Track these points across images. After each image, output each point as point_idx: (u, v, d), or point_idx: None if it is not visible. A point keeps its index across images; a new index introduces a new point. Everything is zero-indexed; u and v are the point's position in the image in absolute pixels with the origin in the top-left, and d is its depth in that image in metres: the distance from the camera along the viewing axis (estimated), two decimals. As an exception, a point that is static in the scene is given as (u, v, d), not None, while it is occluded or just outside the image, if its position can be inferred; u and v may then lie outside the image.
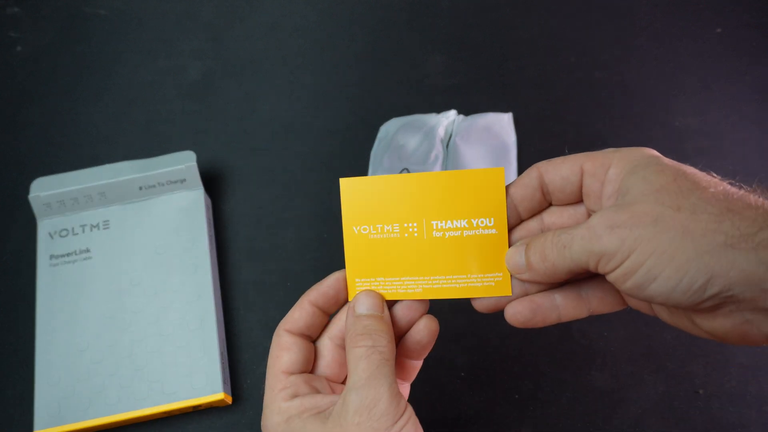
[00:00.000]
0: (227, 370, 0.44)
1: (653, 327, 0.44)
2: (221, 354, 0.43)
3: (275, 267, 0.48)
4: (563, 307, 0.32)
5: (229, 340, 0.46)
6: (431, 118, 0.51)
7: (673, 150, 0.50)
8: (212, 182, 0.51)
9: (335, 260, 0.47)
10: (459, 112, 0.51)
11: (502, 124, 0.50)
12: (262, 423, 0.31)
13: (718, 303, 0.25)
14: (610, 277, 0.27)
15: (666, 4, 0.57)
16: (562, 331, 0.44)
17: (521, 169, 0.49)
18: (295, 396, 0.31)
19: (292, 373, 0.32)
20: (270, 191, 0.51)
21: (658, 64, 0.54)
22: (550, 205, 0.32)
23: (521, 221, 0.32)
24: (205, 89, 0.55)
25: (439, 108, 0.52)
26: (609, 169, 0.29)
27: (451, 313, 0.45)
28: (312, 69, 0.56)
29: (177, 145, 0.53)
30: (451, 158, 0.49)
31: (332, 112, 0.54)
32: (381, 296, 0.32)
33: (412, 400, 0.43)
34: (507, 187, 0.32)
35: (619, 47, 0.55)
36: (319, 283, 0.34)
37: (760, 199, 0.25)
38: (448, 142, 0.50)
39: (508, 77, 0.54)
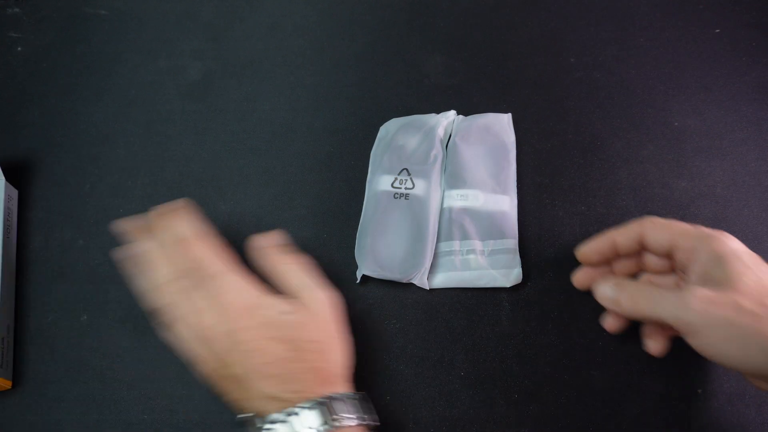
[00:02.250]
0: (9, 355, 0.45)
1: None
2: (2, 339, 0.44)
3: (275, 267, 0.48)
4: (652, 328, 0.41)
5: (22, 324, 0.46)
6: (431, 118, 0.50)
7: (672, 150, 0.50)
8: (212, 182, 0.51)
9: (335, 260, 0.47)
10: (459, 112, 0.52)
11: (501, 124, 0.50)
12: (231, 297, 0.37)
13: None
14: (688, 341, 0.34)
15: (666, 4, 0.57)
16: (561, 330, 0.44)
17: (520, 170, 0.49)
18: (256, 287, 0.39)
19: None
20: (270, 191, 0.51)
21: (657, 64, 0.54)
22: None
23: (618, 256, 0.42)
24: (205, 89, 0.55)
25: (439, 108, 0.52)
26: (695, 253, 0.36)
27: (451, 313, 0.46)
28: (312, 69, 0.56)
29: (177, 145, 0.53)
30: (450, 158, 0.49)
31: (332, 112, 0.54)
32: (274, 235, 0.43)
33: (413, 399, 0.43)
34: (611, 233, 0.41)
35: (619, 47, 0.55)
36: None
37: None
38: (447, 142, 0.50)
39: (508, 77, 0.54)
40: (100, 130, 0.54)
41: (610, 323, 0.42)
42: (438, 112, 0.52)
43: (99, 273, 0.48)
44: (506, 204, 0.47)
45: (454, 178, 0.48)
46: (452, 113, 0.51)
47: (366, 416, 0.36)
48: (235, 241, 0.49)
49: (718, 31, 0.55)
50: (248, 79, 0.55)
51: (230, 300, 0.37)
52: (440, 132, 0.50)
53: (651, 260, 0.41)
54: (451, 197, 0.47)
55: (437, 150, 0.49)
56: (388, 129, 0.51)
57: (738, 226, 0.47)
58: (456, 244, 0.46)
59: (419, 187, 0.47)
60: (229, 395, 0.38)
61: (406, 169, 0.48)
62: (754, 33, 0.54)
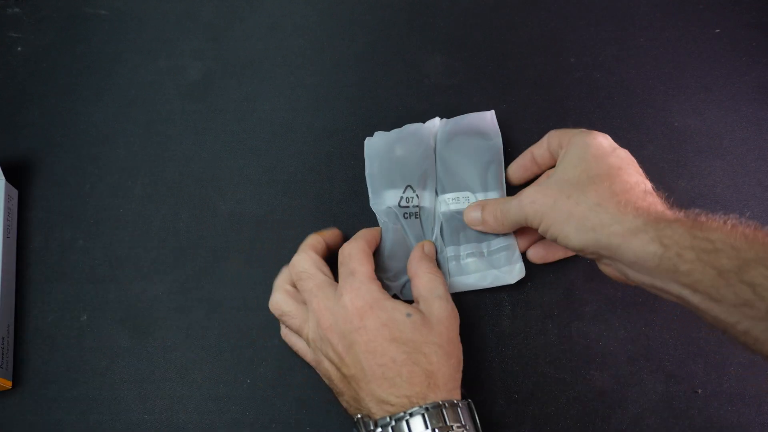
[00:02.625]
0: (10, 355, 0.45)
1: (653, 327, 0.44)
2: (2, 339, 0.44)
3: (275, 267, 0.48)
4: (546, 248, 0.45)
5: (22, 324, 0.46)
6: (421, 128, 0.49)
7: (672, 150, 0.50)
8: (212, 182, 0.51)
9: (335, 260, 0.47)
10: (459, 113, 0.51)
11: (485, 122, 0.50)
12: (356, 295, 0.38)
13: (597, 257, 0.38)
14: (541, 233, 0.40)
15: (666, 4, 0.57)
16: (561, 330, 0.44)
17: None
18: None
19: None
20: (270, 191, 0.51)
21: (657, 64, 0.54)
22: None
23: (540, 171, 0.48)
24: (205, 89, 0.55)
25: (440, 108, 0.52)
26: (560, 149, 0.43)
27: (451, 313, 0.45)
28: (312, 69, 0.56)
29: (177, 145, 0.53)
30: (439, 163, 0.48)
31: (332, 112, 0.54)
32: (434, 247, 0.45)
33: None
34: (530, 148, 0.47)
35: (619, 47, 0.55)
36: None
37: (642, 201, 0.37)
38: (434, 148, 0.49)
39: (508, 77, 0.54)
40: (100, 130, 0.54)
41: (531, 254, 0.46)
42: (438, 112, 0.52)
43: (99, 273, 0.48)
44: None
45: (444, 182, 0.48)
46: (437, 120, 0.50)
47: (470, 424, 0.36)
48: (236, 242, 0.49)
49: (718, 31, 0.55)
50: (248, 79, 0.55)
51: (351, 299, 0.38)
52: (431, 141, 0.49)
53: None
54: (444, 202, 0.47)
55: (431, 158, 0.48)
56: (377, 145, 0.49)
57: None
58: (455, 249, 0.46)
59: (425, 198, 0.47)
60: (343, 395, 0.38)
61: (410, 186, 0.47)
62: (754, 33, 0.54)
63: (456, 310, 0.40)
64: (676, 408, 0.42)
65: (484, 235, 0.46)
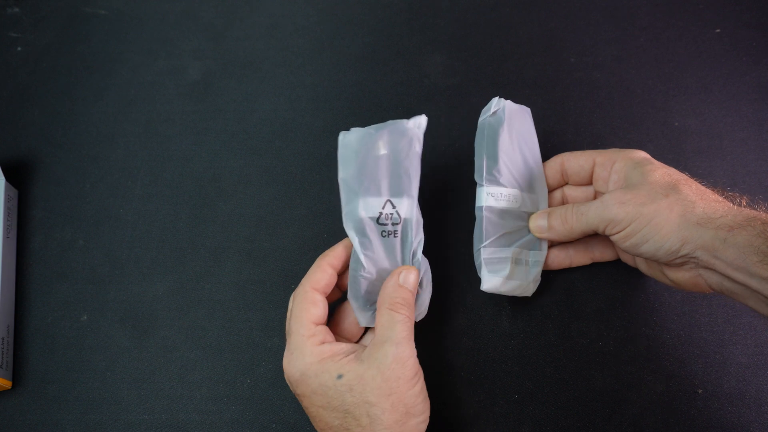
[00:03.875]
0: (10, 355, 0.45)
1: (653, 327, 0.44)
2: (2, 339, 0.44)
3: (275, 267, 0.48)
4: (574, 255, 0.45)
5: (22, 325, 0.47)
6: (402, 124, 0.40)
7: (672, 150, 0.50)
8: (212, 182, 0.51)
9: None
10: (459, 112, 0.51)
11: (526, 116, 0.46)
12: (288, 363, 0.37)
13: (684, 261, 0.37)
14: (613, 238, 0.39)
15: (666, 4, 0.57)
16: (562, 330, 0.44)
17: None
18: (323, 342, 0.37)
19: (317, 324, 0.37)
20: (270, 191, 0.51)
21: (657, 64, 0.54)
22: (566, 183, 0.45)
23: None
24: (205, 89, 0.55)
25: (440, 108, 0.53)
26: (615, 164, 0.41)
27: (450, 313, 0.45)
28: (312, 69, 0.56)
29: (177, 145, 0.53)
30: (501, 154, 0.43)
31: (332, 112, 0.54)
32: (417, 273, 0.39)
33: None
34: None
35: (619, 47, 0.55)
36: (332, 249, 0.40)
37: (722, 198, 0.37)
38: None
39: (508, 77, 0.54)
40: (100, 130, 0.54)
41: (554, 260, 0.45)
42: (438, 112, 0.52)
43: (99, 273, 0.48)
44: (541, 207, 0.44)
45: (501, 173, 0.42)
46: (423, 118, 0.40)
47: None
48: (236, 241, 0.49)
49: (718, 31, 0.55)
50: (248, 79, 0.55)
51: (286, 368, 0.37)
52: (416, 140, 0.40)
53: (571, 193, 0.45)
54: (492, 196, 0.42)
55: (415, 158, 0.40)
56: (354, 142, 0.40)
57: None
58: (501, 251, 0.42)
59: (403, 208, 0.40)
60: None
61: (390, 201, 0.39)
62: (754, 33, 0.54)
63: (407, 355, 0.35)
64: (676, 408, 0.42)
65: (532, 243, 0.43)
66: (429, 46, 0.56)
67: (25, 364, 0.46)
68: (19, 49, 0.58)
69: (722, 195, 0.37)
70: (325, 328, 0.38)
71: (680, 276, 0.39)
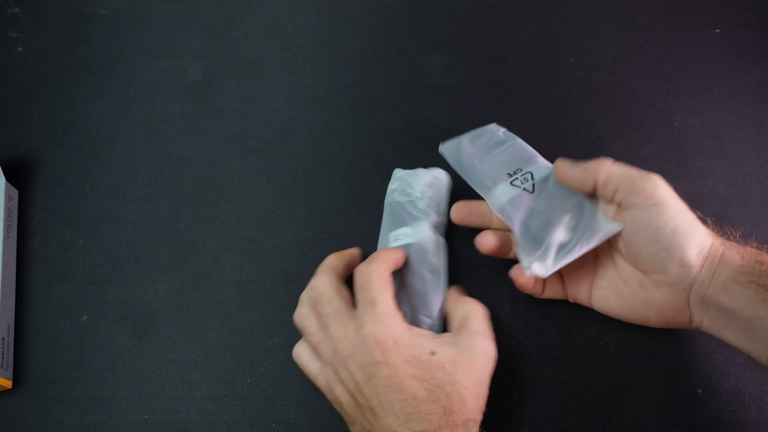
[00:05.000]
0: (10, 355, 0.45)
1: (653, 327, 0.44)
2: (2, 339, 0.44)
3: (275, 267, 0.48)
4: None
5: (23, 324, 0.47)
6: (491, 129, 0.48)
7: (672, 150, 0.50)
8: (212, 182, 0.51)
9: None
10: (459, 112, 0.51)
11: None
12: (378, 329, 0.37)
13: (685, 275, 0.37)
14: (640, 213, 0.38)
15: (666, 4, 0.57)
16: (562, 330, 0.44)
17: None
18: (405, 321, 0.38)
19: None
20: (270, 191, 0.51)
21: (657, 64, 0.54)
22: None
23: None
24: (205, 89, 0.55)
25: (440, 108, 0.53)
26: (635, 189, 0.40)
27: (451, 313, 0.45)
28: (312, 69, 0.56)
29: (177, 145, 0.53)
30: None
31: (332, 112, 0.54)
32: None
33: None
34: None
35: (619, 47, 0.55)
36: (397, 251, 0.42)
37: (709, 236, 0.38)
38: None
39: (508, 77, 0.54)
40: (100, 130, 0.54)
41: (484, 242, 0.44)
42: (438, 112, 0.52)
43: (99, 273, 0.48)
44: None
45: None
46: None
47: None
48: (236, 241, 0.49)
49: (718, 31, 0.55)
50: (248, 79, 0.55)
51: (373, 332, 0.36)
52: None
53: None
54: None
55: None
56: (458, 150, 0.47)
57: (738, 226, 0.47)
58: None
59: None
60: (355, 425, 0.37)
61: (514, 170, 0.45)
62: (754, 33, 0.54)
63: (495, 351, 0.39)
64: (676, 408, 0.42)
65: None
66: (429, 46, 0.56)
67: (25, 364, 0.46)
68: (19, 49, 0.58)
69: (716, 232, 0.39)
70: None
71: (668, 300, 0.38)
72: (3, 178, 0.49)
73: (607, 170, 0.40)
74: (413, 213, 0.45)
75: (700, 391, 0.42)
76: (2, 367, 0.44)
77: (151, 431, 0.43)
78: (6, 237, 0.48)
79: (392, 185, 0.47)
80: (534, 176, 0.44)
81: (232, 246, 0.49)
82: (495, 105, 0.53)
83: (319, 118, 0.53)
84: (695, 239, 0.37)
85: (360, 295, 0.39)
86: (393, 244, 0.45)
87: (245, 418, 0.43)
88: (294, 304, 0.46)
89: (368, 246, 0.47)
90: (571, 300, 0.44)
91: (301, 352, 0.41)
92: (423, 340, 0.37)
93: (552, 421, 0.42)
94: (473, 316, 0.39)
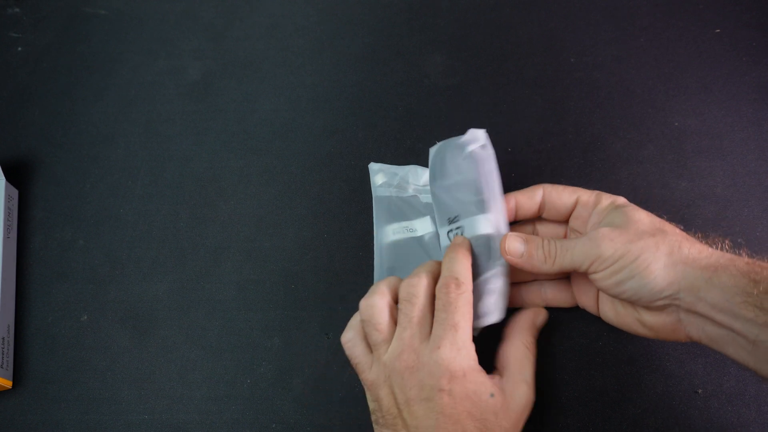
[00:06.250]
0: (10, 355, 0.45)
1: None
2: (2, 339, 0.44)
3: (275, 267, 0.48)
4: (525, 294, 0.44)
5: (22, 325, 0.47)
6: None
7: (672, 150, 0.50)
8: (212, 182, 0.51)
9: (335, 260, 0.47)
10: (458, 113, 0.51)
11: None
12: (455, 358, 0.36)
13: (666, 305, 0.36)
14: (597, 276, 0.37)
15: (666, 4, 0.57)
16: (562, 331, 0.44)
17: (521, 170, 0.49)
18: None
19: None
20: (270, 191, 0.51)
21: (657, 64, 0.54)
22: (539, 218, 0.44)
23: (515, 222, 0.44)
24: (205, 89, 0.55)
25: (440, 108, 0.53)
26: (597, 205, 0.40)
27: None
28: (312, 69, 0.56)
29: (177, 145, 0.53)
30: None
31: (332, 112, 0.54)
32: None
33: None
34: (514, 193, 0.42)
35: (619, 47, 0.55)
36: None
37: (704, 242, 0.36)
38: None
39: (508, 77, 0.54)
40: (100, 130, 0.54)
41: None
42: (438, 112, 0.52)
43: (99, 273, 0.48)
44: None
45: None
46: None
47: None
48: (236, 240, 0.49)
49: (718, 31, 0.55)
50: (248, 79, 0.55)
51: (448, 359, 0.36)
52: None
53: (542, 228, 0.44)
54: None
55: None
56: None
57: (738, 226, 0.47)
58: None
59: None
60: (386, 428, 0.37)
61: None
62: (754, 33, 0.54)
63: (534, 399, 0.38)
64: (676, 408, 0.42)
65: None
66: (429, 46, 0.56)
67: (25, 364, 0.46)
68: (19, 49, 0.58)
69: (704, 240, 0.37)
70: None
71: (659, 321, 0.38)
72: (3, 178, 0.49)
73: (563, 258, 0.38)
74: (417, 208, 0.46)
75: (700, 391, 0.42)
76: (2, 367, 0.44)
77: (151, 431, 0.43)
78: (6, 237, 0.48)
79: (377, 179, 0.48)
80: (464, 232, 0.41)
81: (232, 246, 0.49)
82: (495, 105, 0.53)
83: (319, 118, 0.53)
84: (659, 273, 0.35)
85: (441, 315, 0.37)
86: (393, 237, 0.45)
87: (245, 418, 0.43)
88: (294, 304, 0.47)
89: (368, 245, 0.48)
90: (581, 307, 0.44)
91: (355, 341, 0.39)
92: (486, 380, 0.37)
93: (552, 421, 0.42)
94: (525, 363, 0.39)
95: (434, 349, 0.36)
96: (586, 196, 0.41)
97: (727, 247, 0.37)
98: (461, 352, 0.36)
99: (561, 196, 0.42)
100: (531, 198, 0.42)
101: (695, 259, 0.35)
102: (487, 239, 0.40)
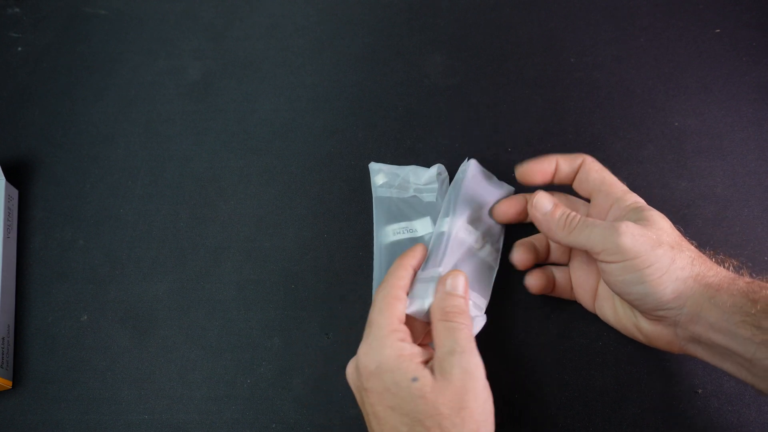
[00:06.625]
0: (10, 355, 0.45)
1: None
2: (2, 339, 0.44)
3: (275, 267, 0.48)
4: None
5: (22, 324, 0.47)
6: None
7: (672, 150, 0.50)
8: (212, 182, 0.51)
9: (335, 260, 0.47)
10: (459, 113, 0.51)
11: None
12: (365, 354, 0.36)
13: (665, 316, 0.36)
14: (608, 267, 0.37)
15: (666, 4, 0.57)
16: (562, 331, 0.44)
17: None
18: (403, 340, 0.36)
19: (402, 322, 0.37)
20: (270, 191, 0.51)
21: (657, 64, 0.54)
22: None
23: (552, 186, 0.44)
24: (205, 89, 0.55)
25: (440, 108, 0.53)
26: (619, 200, 0.40)
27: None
28: (312, 69, 0.56)
29: (177, 145, 0.53)
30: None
31: (332, 112, 0.54)
32: (465, 277, 0.38)
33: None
34: (557, 156, 0.43)
35: (619, 47, 0.55)
36: (412, 250, 0.41)
37: (712, 260, 0.37)
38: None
39: (508, 77, 0.54)
40: (100, 130, 0.54)
41: (519, 257, 0.43)
42: (438, 112, 0.52)
43: (99, 273, 0.48)
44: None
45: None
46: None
47: None
48: (236, 240, 0.49)
49: (718, 31, 0.55)
50: (248, 79, 0.55)
51: (361, 357, 0.36)
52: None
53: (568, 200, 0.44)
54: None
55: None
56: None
57: (738, 226, 0.47)
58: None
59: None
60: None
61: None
62: (754, 33, 0.54)
63: (474, 364, 0.34)
64: (676, 408, 0.42)
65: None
66: (429, 46, 0.56)
67: (25, 364, 0.46)
68: (19, 49, 0.58)
69: (713, 259, 0.37)
70: (406, 328, 0.37)
71: (655, 330, 0.38)
72: (3, 178, 0.49)
73: (579, 233, 0.38)
74: (417, 208, 0.47)
75: (700, 391, 0.42)
76: (2, 367, 0.44)
77: (151, 431, 0.43)
78: (6, 237, 0.48)
79: (378, 179, 0.48)
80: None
81: (232, 246, 0.49)
82: (495, 105, 0.53)
83: (319, 118, 0.53)
84: (669, 285, 0.35)
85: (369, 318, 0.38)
86: (393, 237, 0.45)
87: (245, 418, 0.43)
88: (294, 304, 0.47)
89: (368, 245, 0.48)
90: (577, 300, 0.44)
91: (349, 369, 0.39)
92: (408, 365, 0.34)
93: (552, 421, 0.42)
94: (442, 335, 0.36)
95: (358, 352, 0.37)
96: (609, 188, 0.41)
97: (732, 267, 0.37)
98: (372, 345, 0.36)
99: (596, 175, 0.41)
100: (570, 164, 0.42)
101: (704, 277, 0.35)
102: (440, 236, 0.42)
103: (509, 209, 0.44)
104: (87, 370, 0.45)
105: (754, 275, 0.36)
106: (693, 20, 0.56)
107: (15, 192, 0.51)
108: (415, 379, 0.34)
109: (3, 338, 0.45)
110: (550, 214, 0.40)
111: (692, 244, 0.38)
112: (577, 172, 0.42)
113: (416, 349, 0.36)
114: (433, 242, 0.42)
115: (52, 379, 0.45)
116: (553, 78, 0.54)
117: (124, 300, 0.47)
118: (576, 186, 0.43)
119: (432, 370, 0.34)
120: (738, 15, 0.55)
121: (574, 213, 0.39)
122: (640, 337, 0.40)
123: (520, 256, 0.44)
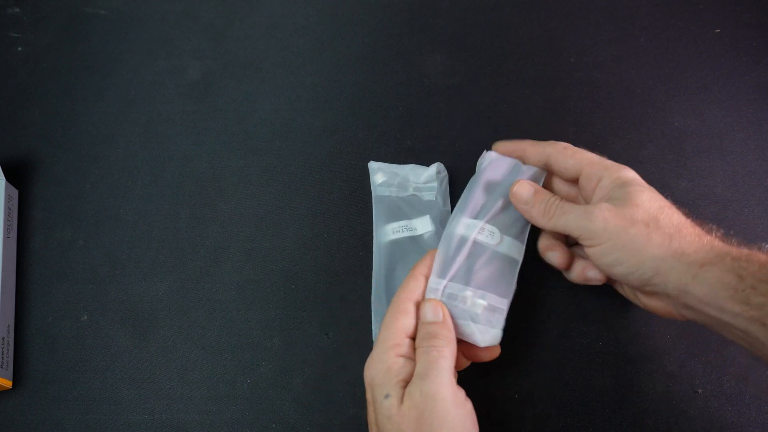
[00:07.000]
0: (10, 355, 0.45)
1: (653, 327, 0.44)
2: (2, 339, 0.44)
3: (275, 267, 0.48)
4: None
5: (23, 324, 0.47)
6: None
7: (672, 150, 0.50)
8: (212, 182, 0.51)
9: (335, 260, 0.47)
10: (459, 113, 0.51)
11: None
12: (366, 367, 0.36)
13: (656, 291, 0.37)
14: (588, 251, 0.38)
15: (666, 4, 0.57)
16: (562, 330, 0.44)
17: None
18: (401, 356, 0.36)
19: (407, 336, 0.37)
20: (270, 191, 0.51)
21: (657, 64, 0.54)
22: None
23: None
24: (205, 89, 0.55)
25: (440, 108, 0.53)
26: (602, 180, 0.39)
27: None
28: (312, 69, 0.56)
29: (177, 145, 0.53)
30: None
31: (332, 112, 0.54)
32: (442, 305, 0.38)
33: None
34: (524, 143, 0.43)
35: (619, 47, 0.55)
36: (424, 259, 0.40)
37: (707, 235, 0.36)
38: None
39: (508, 77, 0.54)
40: (100, 130, 0.54)
41: (556, 258, 0.42)
42: (438, 112, 0.52)
43: (99, 273, 0.48)
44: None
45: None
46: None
47: None
48: (236, 240, 0.49)
49: (718, 31, 0.55)
50: (248, 79, 0.55)
51: (365, 368, 0.37)
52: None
53: (558, 186, 0.44)
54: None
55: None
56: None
57: (738, 226, 0.47)
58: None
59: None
60: None
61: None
62: (754, 33, 0.54)
63: (435, 388, 0.34)
64: (676, 408, 0.42)
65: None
66: (429, 46, 0.56)
67: (25, 364, 0.46)
68: (19, 49, 0.58)
69: (699, 225, 0.37)
70: (410, 342, 0.37)
71: (654, 303, 0.39)
72: (3, 178, 0.49)
73: (558, 219, 0.39)
74: (417, 207, 0.47)
75: (700, 391, 0.42)
76: (2, 367, 0.44)
77: (151, 431, 0.43)
78: (6, 237, 0.48)
79: (377, 178, 0.48)
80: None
81: (232, 246, 0.49)
82: (495, 105, 0.53)
83: (319, 118, 0.53)
84: (646, 264, 0.35)
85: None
86: (393, 236, 0.45)
87: (245, 418, 0.43)
88: (294, 303, 0.47)
89: (368, 245, 0.48)
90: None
91: None
92: (387, 381, 0.35)
93: (552, 421, 0.42)
94: (418, 359, 0.36)
95: (364, 367, 0.37)
96: (590, 168, 0.40)
97: (718, 237, 0.36)
98: (372, 360, 0.36)
99: (567, 162, 0.41)
100: (536, 154, 0.42)
101: (684, 254, 0.35)
102: (459, 242, 0.41)
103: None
104: (87, 370, 0.45)
105: (742, 244, 0.35)
106: (693, 20, 0.56)
107: (15, 192, 0.51)
108: (387, 396, 0.34)
109: (3, 338, 0.45)
110: (531, 203, 0.41)
111: (679, 211, 0.38)
112: (546, 163, 0.42)
113: (408, 367, 0.36)
114: (454, 248, 0.40)
115: (52, 379, 0.45)
116: (553, 78, 0.54)
117: (124, 300, 0.47)
118: (559, 175, 0.43)
119: (407, 392, 0.35)
120: (738, 15, 0.55)
121: (553, 198, 0.40)
122: (644, 307, 0.40)
123: (556, 258, 0.42)
